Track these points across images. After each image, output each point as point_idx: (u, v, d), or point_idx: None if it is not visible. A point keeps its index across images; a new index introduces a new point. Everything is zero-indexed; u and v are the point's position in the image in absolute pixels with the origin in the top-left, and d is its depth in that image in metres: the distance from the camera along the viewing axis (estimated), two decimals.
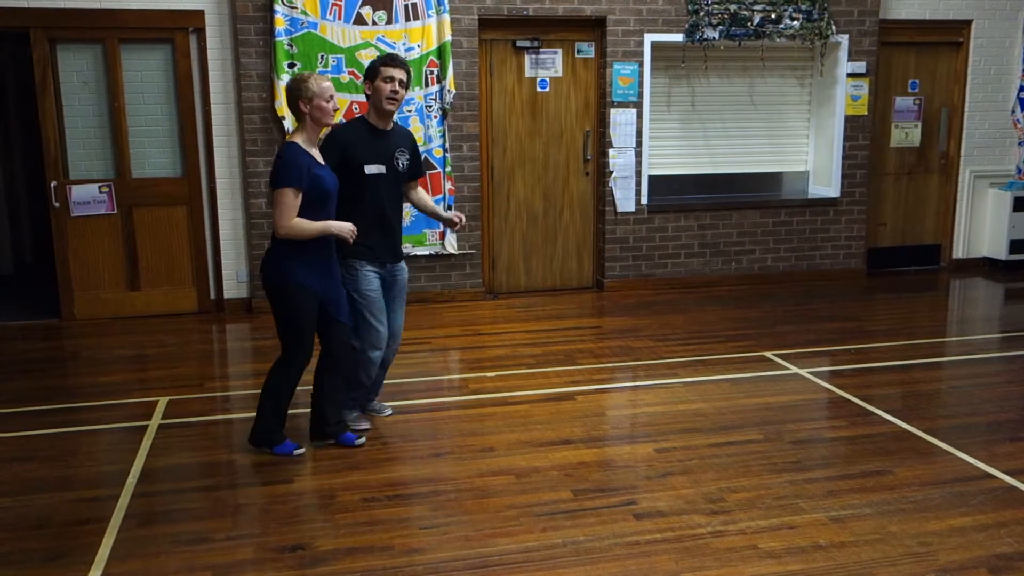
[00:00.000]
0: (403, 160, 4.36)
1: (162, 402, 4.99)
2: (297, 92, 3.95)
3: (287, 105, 4.00)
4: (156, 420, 4.71)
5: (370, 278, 4.28)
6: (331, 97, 3.98)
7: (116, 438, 4.53)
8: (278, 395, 4.15)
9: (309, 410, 4.39)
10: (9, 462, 4.19)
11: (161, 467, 4.13)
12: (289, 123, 6.74)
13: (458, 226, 4.57)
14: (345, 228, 4.00)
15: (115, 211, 6.81)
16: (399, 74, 4.22)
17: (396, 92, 4.21)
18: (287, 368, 4.11)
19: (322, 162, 4.04)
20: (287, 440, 4.21)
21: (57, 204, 6.70)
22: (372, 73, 4.25)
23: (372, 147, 4.25)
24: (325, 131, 4.19)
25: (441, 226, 7.19)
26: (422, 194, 4.67)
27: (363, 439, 4.34)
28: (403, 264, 4.48)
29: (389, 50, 6.81)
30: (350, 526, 3.54)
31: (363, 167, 4.20)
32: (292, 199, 3.86)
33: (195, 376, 5.53)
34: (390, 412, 4.73)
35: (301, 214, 3.91)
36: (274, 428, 4.18)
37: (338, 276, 4.16)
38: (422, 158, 4.65)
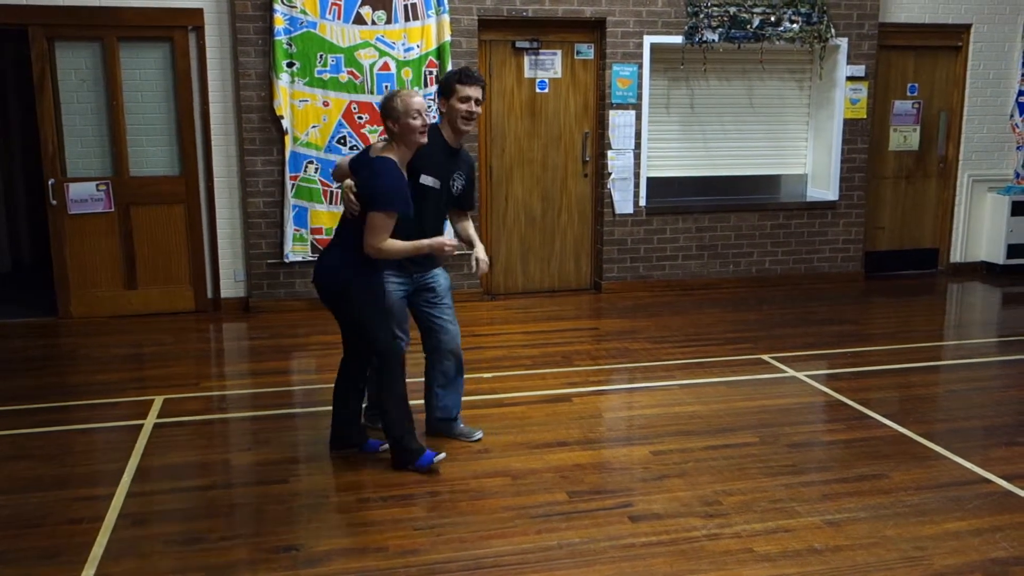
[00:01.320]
0: (458, 183, 4.17)
1: (158, 401, 4.98)
2: (384, 111, 3.78)
3: (383, 124, 3.83)
4: (152, 419, 4.70)
5: (390, 288, 4.09)
6: (418, 113, 3.75)
7: (111, 437, 4.52)
8: (397, 408, 3.97)
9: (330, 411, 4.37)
10: (4, 460, 4.18)
11: (156, 466, 4.12)
12: (288, 123, 6.74)
13: (476, 271, 4.17)
14: (439, 244, 3.84)
15: (113, 209, 6.80)
16: (475, 93, 4.02)
17: (472, 113, 4.03)
18: (389, 375, 3.94)
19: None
20: (427, 451, 4.02)
21: (55, 202, 6.69)
22: (447, 90, 4.04)
23: (435, 159, 4.03)
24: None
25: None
26: (467, 223, 4.38)
27: (386, 446, 4.14)
28: (438, 271, 4.25)
29: (388, 50, 6.81)
30: (345, 527, 3.53)
31: (420, 175, 3.99)
32: (388, 221, 3.72)
33: (191, 375, 5.52)
34: (479, 436, 4.42)
35: None
36: (410, 442, 3.99)
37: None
38: (474, 187, 4.38)
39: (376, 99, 6.85)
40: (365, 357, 4.07)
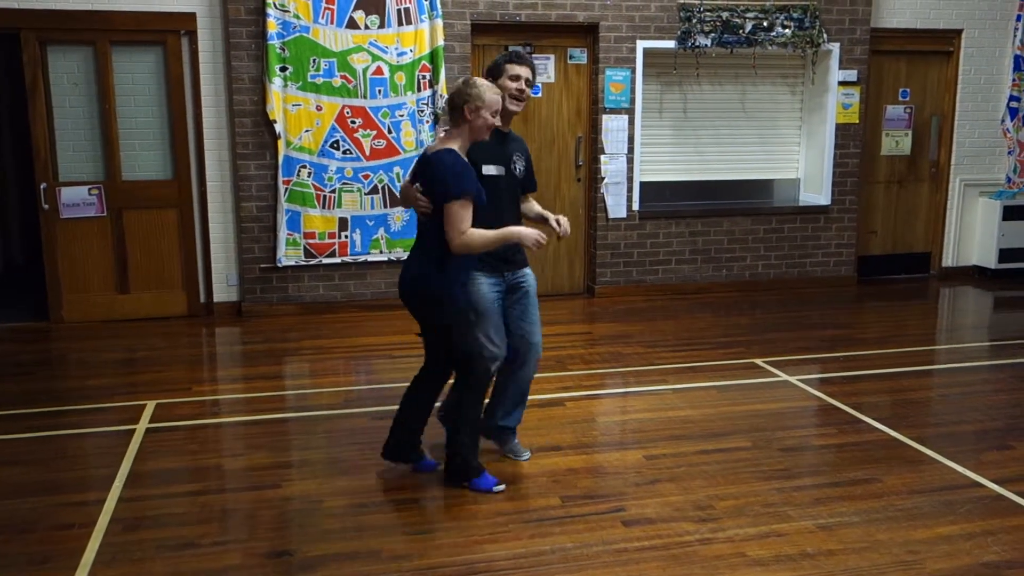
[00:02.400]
0: (520, 165, 4.04)
1: (150, 406, 4.96)
2: (465, 97, 3.64)
3: (448, 107, 3.72)
4: (144, 424, 4.69)
5: (483, 291, 3.91)
6: (496, 112, 3.68)
7: (103, 442, 4.50)
8: (473, 422, 3.85)
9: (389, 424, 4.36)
10: None
11: (148, 471, 4.11)
12: (281, 127, 6.74)
13: (559, 231, 3.91)
14: (531, 235, 3.62)
15: (105, 213, 6.78)
16: (525, 72, 3.93)
17: (522, 91, 3.93)
18: (474, 393, 3.82)
19: None
20: (485, 472, 3.90)
21: (47, 206, 6.67)
22: (496, 72, 3.95)
23: (490, 148, 3.91)
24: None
25: None
26: (535, 204, 4.26)
27: (441, 466, 4.04)
28: (527, 270, 4.09)
29: (381, 54, 6.81)
30: (337, 532, 3.52)
31: (482, 167, 3.86)
32: (465, 209, 3.58)
33: (184, 380, 5.50)
34: (527, 456, 4.26)
35: None
36: (472, 462, 3.86)
37: None
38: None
39: (369, 103, 6.85)
40: (446, 372, 3.93)
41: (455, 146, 3.70)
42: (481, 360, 3.83)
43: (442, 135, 3.82)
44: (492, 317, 3.93)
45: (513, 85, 3.92)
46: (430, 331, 3.84)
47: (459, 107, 3.66)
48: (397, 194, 6.89)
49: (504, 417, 4.20)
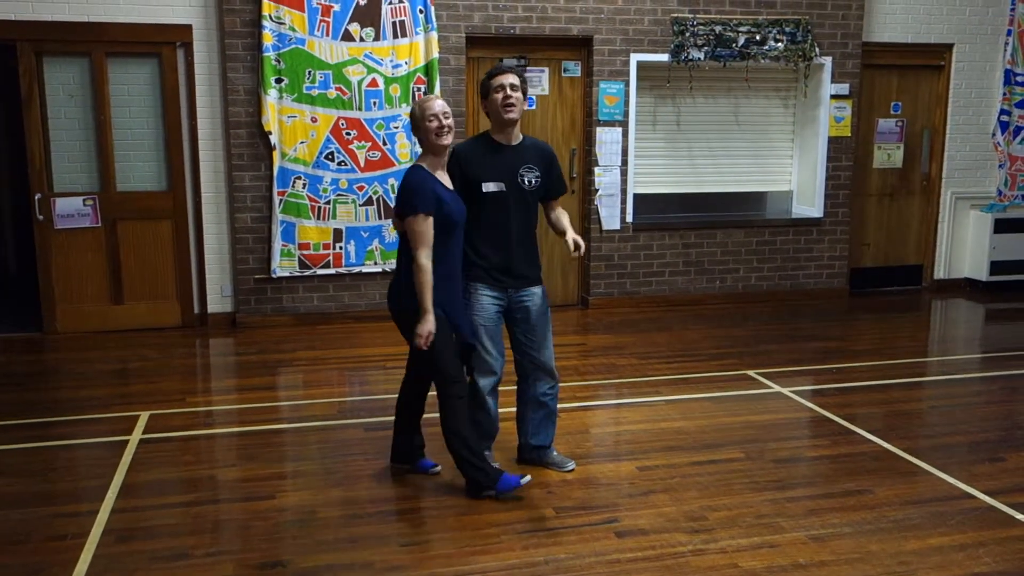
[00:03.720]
0: (530, 176, 4.00)
1: (143, 417, 4.96)
2: (411, 116, 3.89)
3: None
4: (137, 435, 4.68)
5: (484, 303, 3.95)
6: (433, 116, 3.78)
7: (96, 453, 4.50)
8: (463, 435, 3.85)
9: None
10: None
11: (141, 482, 4.10)
12: (276, 138, 6.76)
13: (575, 251, 3.99)
14: (424, 332, 3.69)
15: (99, 224, 6.79)
16: (506, 79, 3.92)
17: (510, 98, 3.90)
18: (450, 402, 3.83)
19: (450, 186, 3.86)
20: (504, 474, 3.91)
21: (41, 217, 6.67)
22: (483, 90, 3.99)
23: (491, 163, 3.94)
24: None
25: None
26: (559, 213, 4.22)
27: (439, 468, 4.17)
28: (535, 289, 4.07)
29: (376, 67, 6.84)
30: (330, 543, 3.52)
31: (480, 185, 3.91)
32: (424, 225, 3.68)
33: (177, 391, 5.50)
34: (572, 466, 4.25)
35: None
36: (483, 468, 3.88)
37: (461, 299, 3.94)
38: (560, 172, 4.19)
39: (364, 115, 6.88)
40: (426, 381, 4.05)
41: (424, 163, 3.86)
42: (452, 379, 3.83)
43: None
44: (488, 328, 3.96)
45: (498, 97, 3.93)
46: (408, 341, 3.89)
47: (414, 131, 3.91)
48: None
49: (533, 436, 4.24)
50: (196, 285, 7.04)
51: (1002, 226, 8.42)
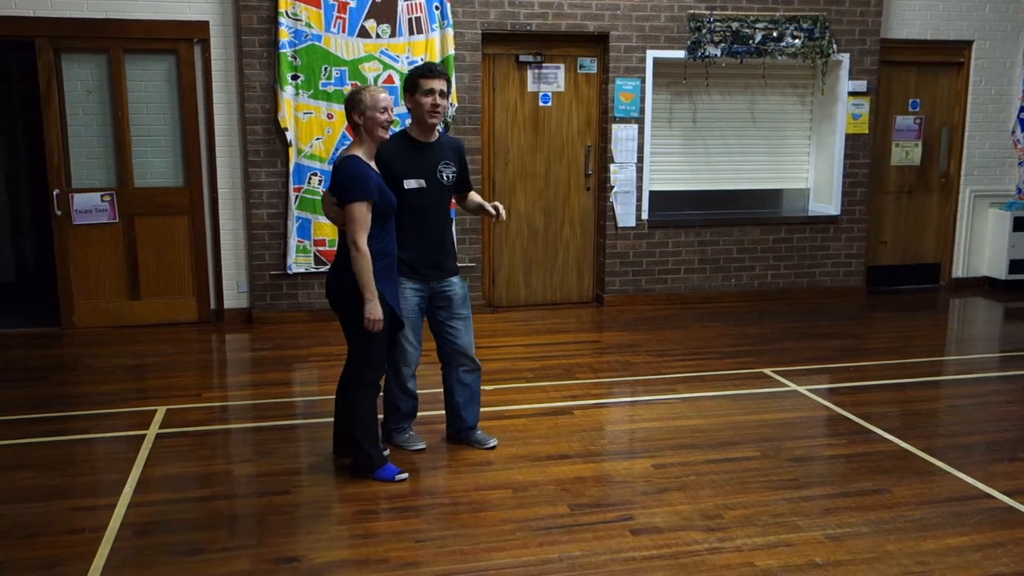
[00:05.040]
0: (448, 172, 4.19)
1: (160, 411, 4.99)
2: (351, 105, 3.87)
3: (346, 118, 3.94)
4: (154, 430, 4.71)
5: (407, 295, 4.13)
6: (385, 109, 3.86)
7: (113, 447, 4.52)
8: (365, 421, 3.98)
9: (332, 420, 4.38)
10: (5, 470, 4.19)
11: (158, 477, 4.13)
12: (292, 135, 6.78)
13: (496, 217, 4.25)
14: (373, 316, 3.81)
15: (117, 220, 6.83)
16: (438, 84, 4.06)
17: (437, 105, 4.06)
18: (366, 389, 3.97)
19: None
20: (388, 463, 4.08)
21: (59, 212, 6.72)
22: (411, 86, 4.08)
23: (412, 161, 4.10)
24: None
25: None
26: (474, 196, 4.43)
27: (387, 452, 4.28)
28: (455, 279, 4.27)
29: (392, 63, 6.84)
30: (346, 538, 3.53)
31: (402, 181, 4.06)
32: (364, 213, 3.77)
33: (194, 386, 5.53)
34: (494, 443, 4.46)
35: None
36: (373, 451, 4.02)
37: (397, 289, 4.06)
38: (469, 168, 4.41)
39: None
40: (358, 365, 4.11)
41: (358, 152, 3.91)
42: (375, 365, 3.98)
43: (343, 150, 3.99)
44: (411, 320, 4.16)
45: (427, 101, 4.06)
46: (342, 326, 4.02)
47: (350, 116, 3.90)
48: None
49: (459, 418, 4.45)
50: (212, 281, 7.07)
51: (1021, 224, 8.34)
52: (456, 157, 4.27)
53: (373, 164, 3.94)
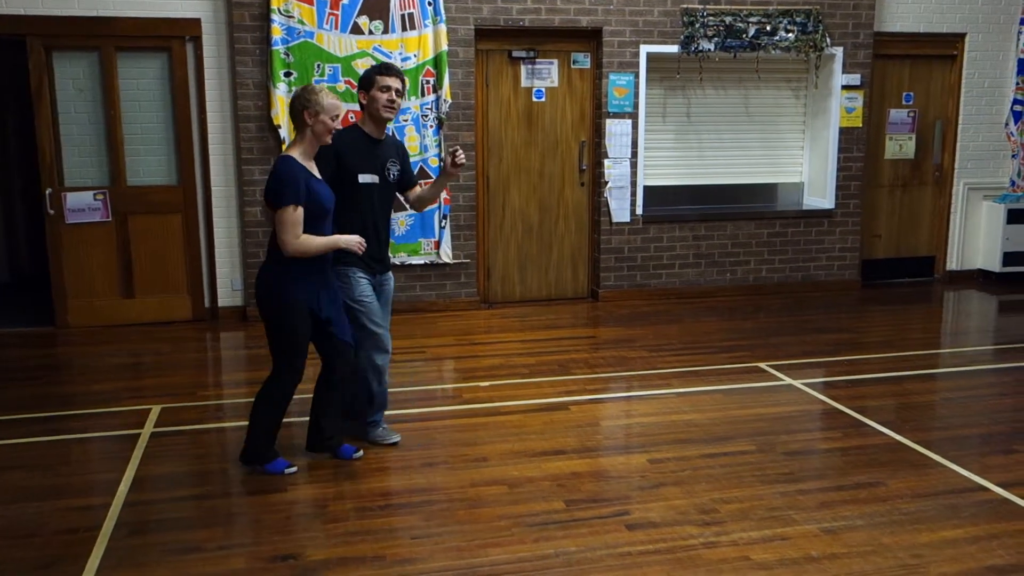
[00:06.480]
0: (394, 171, 4.32)
1: (155, 410, 4.98)
2: (304, 103, 3.84)
3: (290, 112, 3.94)
4: (148, 428, 4.70)
5: (363, 285, 4.23)
6: (337, 117, 3.90)
7: (108, 446, 4.51)
8: (269, 414, 4.06)
9: (307, 419, 4.37)
10: (0, 470, 4.18)
11: (153, 476, 4.12)
12: (285, 132, 6.76)
13: (458, 159, 4.26)
14: (353, 240, 3.95)
15: (110, 219, 6.81)
16: (395, 83, 4.19)
17: (393, 101, 4.19)
18: (279, 387, 4.03)
19: (318, 176, 3.96)
20: (279, 458, 4.12)
21: (52, 211, 6.69)
22: (367, 83, 4.21)
23: (366, 156, 4.21)
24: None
25: (436, 235, 7.20)
26: (416, 190, 4.51)
27: (361, 452, 4.29)
28: (390, 274, 4.46)
29: (386, 59, 6.82)
30: (342, 536, 3.53)
31: (357, 176, 4.16)
32: (294, 215, 3.78)
33: (188, 384, 5.52)
34: (397, 439, 4.48)
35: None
36: (265, 446, 4.09)
37: (336, 292, 4.10)
38: (415, 168, 4.58)
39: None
40: (336, 365, 4.13)
41: (296, 152, 3.90)
42: (295, 369, 4.03)
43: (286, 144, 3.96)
44: (373, 306, 4.25)
45: (383, 96, 4.19)
46: (267, 328, 4.02)
47: (299, 112, 3.87)
48: None
49: (379, 407, 4.44)
50: (206, 279, 7.05)
51: (1015, 217, 8.36)
52: (399, 157, 4.39)
53: (310, 165, 3.93)
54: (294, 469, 4.12)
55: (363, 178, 4.18)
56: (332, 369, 4.13)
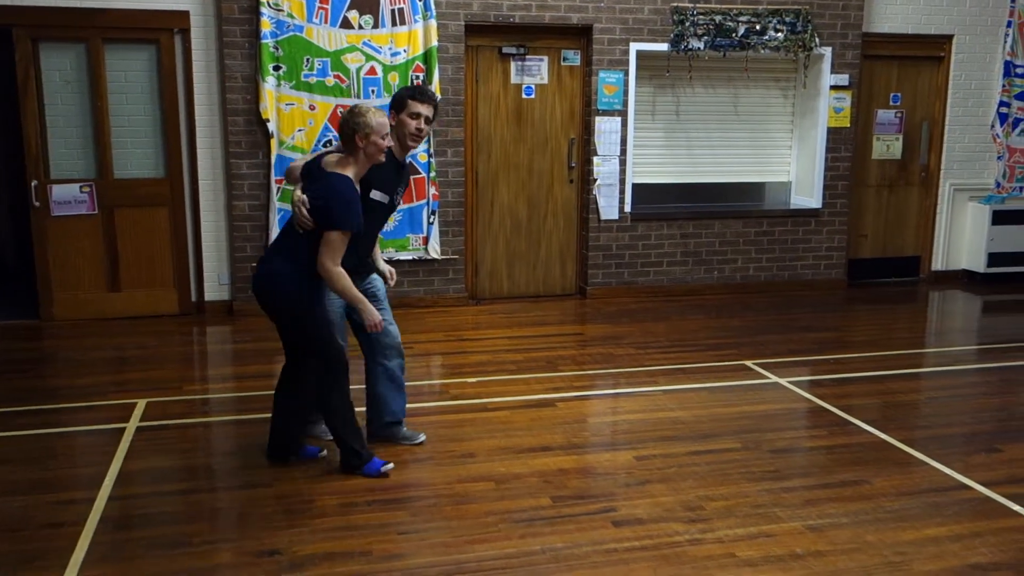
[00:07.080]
0: (398, 198, 4.25)
1: (141, 404, 4.95)
2: (354, 126, 3.75)
3: (340, 135, 3.85)
4: (134, 423, 4.68)
5: (334, 299, 4.12)
6: (386, 135, 3.82)
7: (93, 440, 4.49)
8: (341, 411, 3.97)
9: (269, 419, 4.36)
10: None
11: (138, 470, 4.10)
12: (274, 126, 6.73)
13: (390, 280, 4.36)
14: (374, 318, 3.88)
15: (96, 211, 6.77)
16: (426, 110, 4.06)
17: (420, 130, 4.06)
18: (331, 375, 3.94)
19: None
20: (374, 457, 4.05)
21: (37, 204, 6.65)
22: (399, 104, 4.08)
23: (385, 176, 4.07)
24: None
25: (424, 231, 7.19)
26: (377, 249, 4.45)
27: (325, 452, 4.24)
28: (374, 276, 4.34)
29: (375, 54, 6.81)
30: (328, 531, 3.52)
31: (371, 190, 4.03)
32: (343, 241, 3.73)
33: (174, 379, 5.50)
34: (422, 439, 4.44)
35: None
36: (360, 444, 4.02)
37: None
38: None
39: (364, 103, 6.84)
40: (309, 367, 4.03)
41: (350, 173, 3.81)
42: (334, 345, 3.96)
43: (335, 159, 3.88)
44: (336, 321, 4.11)
45: (412, 124, 4.06)
46: (284, 327, 4.01)
47: (350, 136, 3.78)
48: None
49: (390, 415, 4.37)
50: (193, 273, 7.02)
51: (1000, 218, 8.42)
52: (405, 185, 4.29)
53: (358, 187, 3.87)
54: (391, 466, 4.05)
55: (375, 195, 4.05)
56: (299, 367, 4.09)
